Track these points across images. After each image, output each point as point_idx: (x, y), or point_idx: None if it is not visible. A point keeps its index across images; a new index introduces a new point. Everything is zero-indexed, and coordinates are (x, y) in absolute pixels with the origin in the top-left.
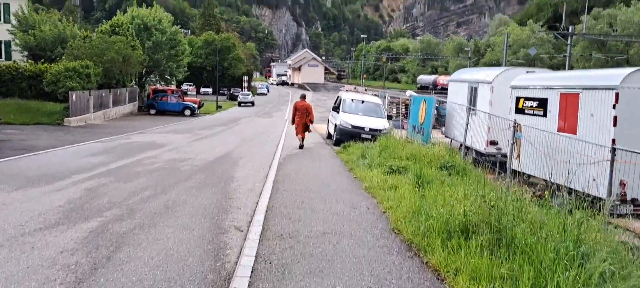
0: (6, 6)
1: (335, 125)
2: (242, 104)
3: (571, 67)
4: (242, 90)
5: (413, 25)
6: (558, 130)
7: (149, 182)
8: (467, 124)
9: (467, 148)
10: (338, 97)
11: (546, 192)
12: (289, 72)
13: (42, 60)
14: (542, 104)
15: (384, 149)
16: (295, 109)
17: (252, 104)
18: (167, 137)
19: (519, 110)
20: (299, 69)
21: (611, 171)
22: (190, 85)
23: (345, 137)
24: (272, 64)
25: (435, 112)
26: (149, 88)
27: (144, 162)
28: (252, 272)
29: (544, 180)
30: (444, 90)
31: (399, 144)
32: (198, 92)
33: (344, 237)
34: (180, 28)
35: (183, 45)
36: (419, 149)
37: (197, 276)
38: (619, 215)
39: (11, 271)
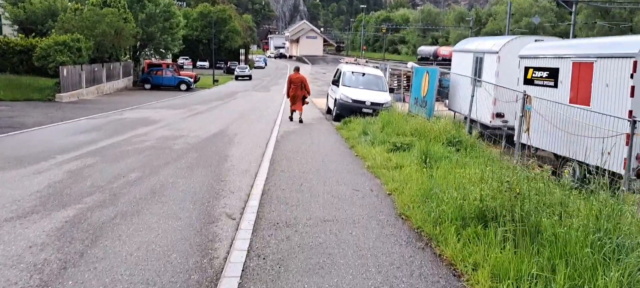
0: None
1: (335, 100)
2: (239, 78)
3: (575, 36)
4: (239, 64)
5: None
6: (570, 102)
7: (138, 162)
8: (473, 96)
9: (472, 121)
10: (338, 69)
11: (566, 171)
12: (287, 44)
13: (33, 34)
14: (553, 74)
15: (387, 124)
16: (290, 81)
17: (250, 77)
18: (160, 112)
19: (528, 81)
20: (297, 41)
21: (631, 145)
22: (186, 59)
23: (345, 111)
24: (269, 36)
25: (438, 84)
26: (143, 62)
27: (134, 140)
28: (242, 270)
29: (554, 154)
30: (445, 61)
31: (402, 119)
32: (194, 66)
33: (346, 224)
34: (174, 0)
35: (178, 17)
36: (424, 124)
37: (180, 276)
38: (634, 191)
39: None
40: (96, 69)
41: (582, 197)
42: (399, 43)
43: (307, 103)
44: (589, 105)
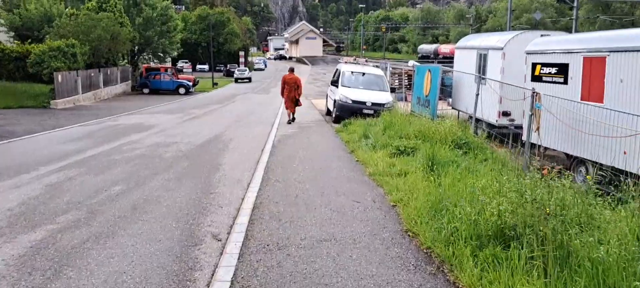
0: None
1: (335, 101)
2: (238, 80)
3: (577, 31)
4: (238, 66)
5: None
6: (581, 99)
7: (123, 173)
8: (477, 94)
9: (478, 120)
10: (337, 69)
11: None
12: (287, 45)
13: (29, 40)
14: (563, 69)
15: (389, 126)
16: (284, 82)
17: (249, 79)
18: (156, 117)
19: (536, 78)
20: (297, 42)
21: None
22: (185, 63)
23: (345, 113)
24: (269, 38)
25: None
26: (141, 66)
27: (124, 148)
28: None
29: (565, 154)
30: (446, 59)
31: (404, 120)
32: (194, 69)
33: (345, 245)
34: (172, 3)
35: (175, 21)
36: (428, 125)
37: None
38: None
39: None
40: (93, 75)
41: (606, 205)
42: (399, 42)
43: (301, 105)
44: (603, 103)
